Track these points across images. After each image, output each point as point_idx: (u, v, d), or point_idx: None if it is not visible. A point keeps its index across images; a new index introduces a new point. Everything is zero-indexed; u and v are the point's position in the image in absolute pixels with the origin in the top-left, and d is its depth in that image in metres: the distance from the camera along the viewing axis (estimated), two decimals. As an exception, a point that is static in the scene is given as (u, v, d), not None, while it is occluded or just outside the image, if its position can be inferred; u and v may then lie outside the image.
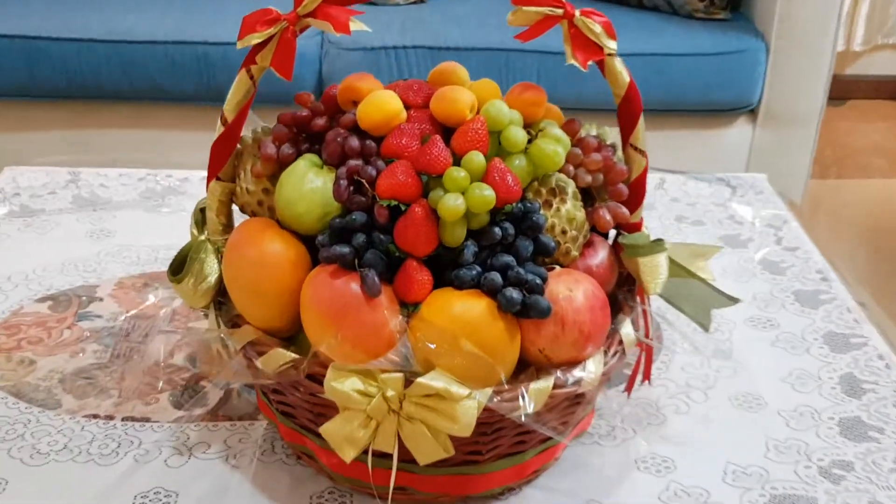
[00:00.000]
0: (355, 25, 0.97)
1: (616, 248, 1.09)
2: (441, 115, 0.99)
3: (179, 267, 1.05)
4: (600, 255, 1.07)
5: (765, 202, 1.71)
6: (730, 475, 1.11)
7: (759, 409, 1.22)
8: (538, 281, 0.95)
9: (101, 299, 1.41)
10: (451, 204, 0.92)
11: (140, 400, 1.21)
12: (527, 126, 1.03)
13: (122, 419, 1.18)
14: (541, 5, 0.99)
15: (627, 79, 1.03)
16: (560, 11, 0.99)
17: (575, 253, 1.02)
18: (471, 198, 0.93)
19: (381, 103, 0.98)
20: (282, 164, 1.02)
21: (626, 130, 1.06)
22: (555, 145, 0.99)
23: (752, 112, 2.53)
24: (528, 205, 0.98)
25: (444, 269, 0.97)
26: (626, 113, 1.05)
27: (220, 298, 1.05)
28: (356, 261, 0.95)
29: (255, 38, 0.97)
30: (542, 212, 1.00)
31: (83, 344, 1.31)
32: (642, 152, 1.07)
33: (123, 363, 1.28)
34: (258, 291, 0.98)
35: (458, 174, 0.93)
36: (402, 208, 0.94)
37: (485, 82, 1.04)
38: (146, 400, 1.21)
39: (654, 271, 1.06)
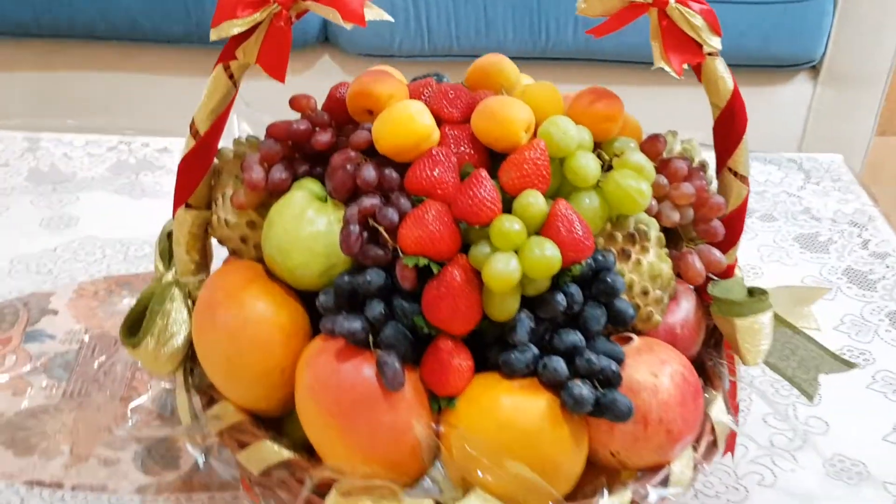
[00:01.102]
0: (372, 13, 0.70)
1: (701, 294, 0.84)
2: (487, 137, 0.74)
3: (138, 321, 0.80)
4: (684, 310, 0.83)
5: (844, 191, 1.46)
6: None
7: (859, 482, 0.99)
8: (613, 368, 0.70)
9: (55, 312, 1.17)
10: (502, 270, 0.67)
11: (96, 459, 0.97)
12: (597, 145, 0.77)
13: (73, 488, 0.94)
14: (626, -12, 0.72)
15: (731, 86, 0.77)
16: (650, -2, 0.72)
17: (658, 318, 0.77)
18: (528, 260, 0.68)
19: (405, 121, 0.72)
20: (272, 192, 0.77)
21: (725, 150, 0.80)
22: (637, 180, 0.73)
23: (814, 68, 2.26)
24: (601, 259, 0.73)
25: (489, 347, 0.72)
26: (727, 129, 0.79)
27: (191, 364, 0.80)
28: (371, 337, 0.70)
29: (236, 27, 0.71)
30: (617, 266, 0.75)
31: (30, 377, 1.07)
32: (743, 178, 0.81)
33: (77, 406, 1.04)
34: (237, 369, 0.74)
35: (510, 227, 0.68)
36: (434, 269, 0.69)
37: (541, 88, 0.78)
38: (104, 458, 0.97)
39: (754, 336, 0.82)
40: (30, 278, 1.22)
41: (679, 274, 0.80)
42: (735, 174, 0.81)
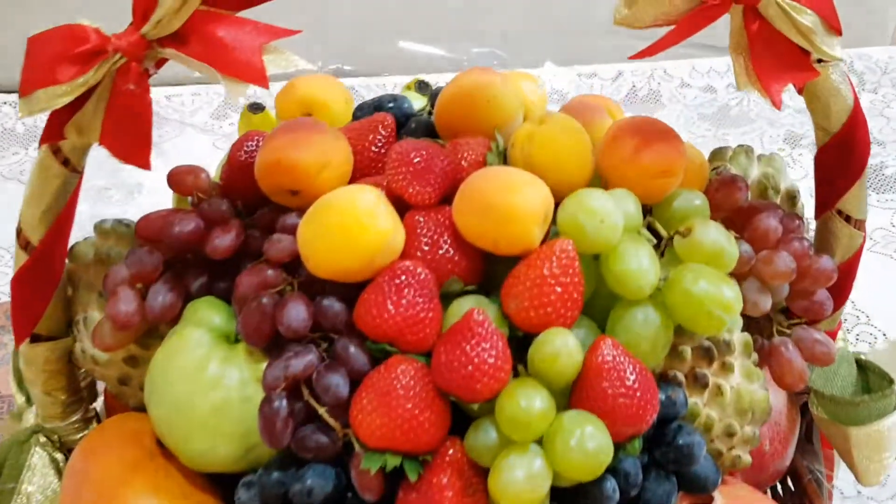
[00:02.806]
0: (278, 61, 0.42)
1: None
2: (482, 239, 0.46)
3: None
4: (773, 413, 0.57)
5: (910, 100, 1.18)
6: None
7: None
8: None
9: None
10: (520, 484, 0.41)
11: None
12: (647, 210, 0.50)
13: None
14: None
15: (850, 103, 0.49)
16: (735, -11, 0.44)
17: (748, 460, 0.52)
18: (559, 456, 0.42)
19: (349, 229, 0.44)
20: (151, 324, 0.50)
21: (834, 188, 0.54)
22: (716, 282, 0.46)
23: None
24: (665, 401, 0.47)
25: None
26: (838, 160, 0.52)
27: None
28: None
29: (59, 99, 0.43)
30: (689, 401, 0.49)
31: None
32: (858, 223, 0.54)
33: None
34: None
35: (528, 408, 0.42)
36: (410, 474, 0.43)
37: (559, 137, 0.50)
38: None
39: (877, 448, 0.57)
40: None
41: (771, 375, 0.55)
42: (847, 218, 0.54)
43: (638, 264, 0.46)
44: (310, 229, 0.45)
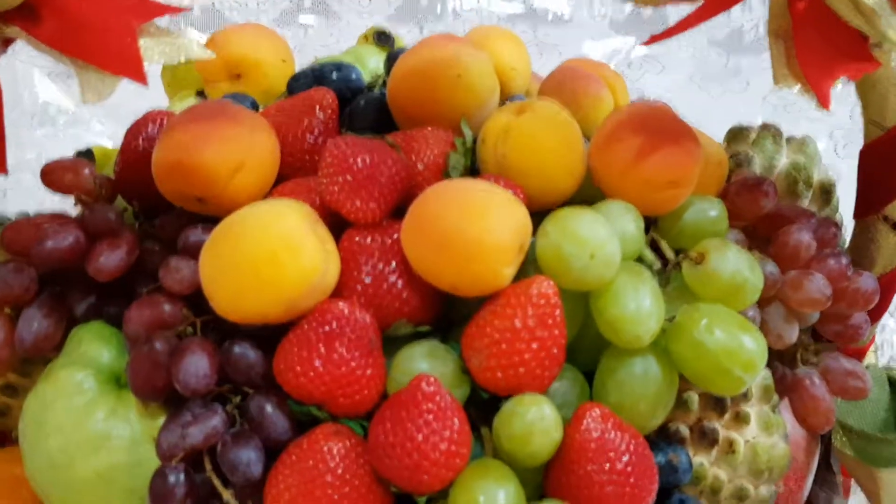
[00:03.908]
0: (157, 47, 0.30)
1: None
2: (439, 280, 0.36)
3: None
4: (793, 440, 0.48)
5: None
6: None
7: None
8: None
9: None
10: None
11: None
12: (650, 223, 0.40)
13: None
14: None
15: (915, 92, 0.38)
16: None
17: (758, 521, 0.43)
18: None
19: (263, 258, 0.34)
20: (26, 355, 0.40)
21: (881, 191, 0.43)
22: (733, 331, 0.36)
23: None
24: (663, 464, 0.38)
25: None
26: (891, 162, 0.41)
27: None
28: None
29: None
30: (695, 460, 0.40)
31: None
32: (908, 232, 0.44)
33: None
34: None
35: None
36: (342, 577, 0.34)
37: (544, 120, 0.39)
38: None
39: (909, 492, 0.48)
40: None
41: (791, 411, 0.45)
42: (894, 226, 0.44)
43: (636, 308, 0.36)
44: (214, 263, 0.35)
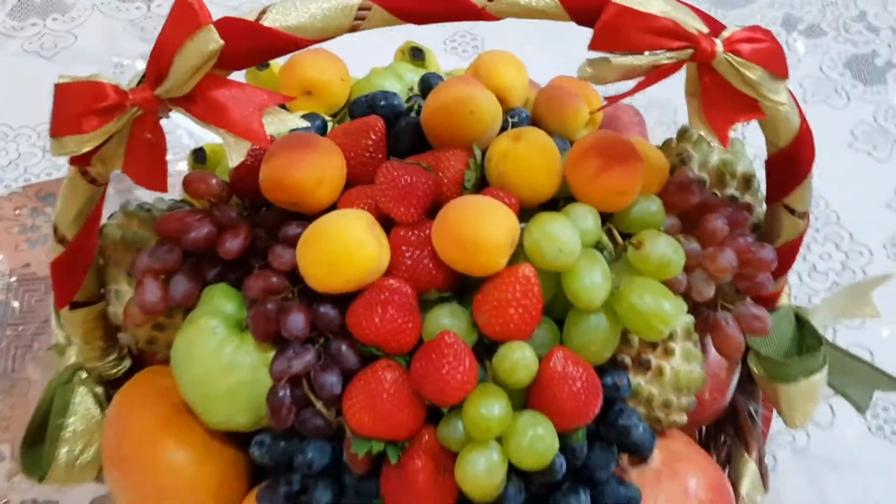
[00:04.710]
0: (276, 123, 0.48)
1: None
2: (455, 264, 0.53)
3: (41, 428, 0.65)
4: (712, 367, 0.66)
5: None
6: None
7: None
8: (627, 531, 0.56)
9: (-29, 247, 0.99)
10: (480, 475, 0.51)
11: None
12: (606, 217, 0.57)
13: (21, 507, 0.83)
14: (651, 43, 0.48)
15: (797, 126, 0.55)
16: (688, 53, 0.49)
17: (683, 420, 0.61)
18: (514, 450, 0.51)
19: (341, 256, 0.52)
20: (173, 307, 0.58)
21: (781, 189, 0.60)
22: (657, 296, 0.54)
23: None
24: (610, 385, 0.56)
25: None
26: (785, 168, 0.58)
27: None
28: (320, 522, 0.56)
29: (85, 145, 0.49)
30: (633, 380, 0.58)
31: (-44, 347, 0.92)
32: (802, 214, 0.61)
33: (11, 387, 0.90)
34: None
35: (488, 414, 0.50)
36: (392, 457, 0.52)
37: (529, 158, 0.56)
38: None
39: (804, 400, 0.66)
40: (-64, 193, 1.03)
41: (712, 343, 0.63)
42: (792, 211, 0.61)
43: (591, 282, 0.53)
44: (307, 254, 0.52)
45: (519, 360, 0.52)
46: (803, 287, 0.95)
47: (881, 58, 1.13)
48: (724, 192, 0.64)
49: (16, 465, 0.86)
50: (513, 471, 0.54)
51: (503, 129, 0.61)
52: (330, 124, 0.63)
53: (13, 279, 0.97)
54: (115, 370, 0.66)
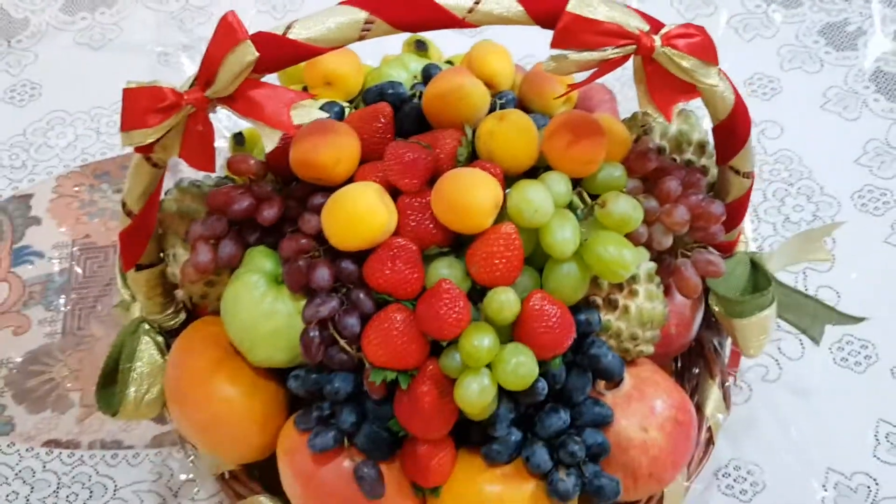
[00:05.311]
0: (302, 115, 0.60)
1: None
2: (450, 224, 0.65)
3: (112, 373, 0.78)
4: (678, 306, 0.78)
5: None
6: None
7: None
8: (599, 442, 0.69)
9: (38, 221, 1.12)
10: (474, 395, 0.63)
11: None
12: (577, 181, 0.69)
13: (89, 446, 0.96)
14: (601, 42, 0.59)
15: (731, 100, 0.66)
16: (632, 48, 0.60)
17: (651, 350, 0.73)
18: (502, 375, 0.63)
19: (358, 219, 0.64)
20: (222, 267, 0.71)
21: (726, 153, 0.71)
22: (619, 246, 0.66)
23: None
24: (583, 321, 0.68)
25: (469, 428, 0.70)
26: (727, 136, 0.69)
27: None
28: (347, 440, 0.68)
29: (149, 137, 0.61)
30: (603, 320, 0.70)
31: (27, 310, 1.06)
32: (747, 174, 0.72)
33: (78, 343, 1.03)
34: (215, 452, 0.74)
35: (479, 345, 0.62)
36: (402, 384, 0.65)
37: (511, 133, 0.67)
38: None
39: (757, 332, 0.78)
40: (3, 174, 1.16)
41: (674, 285, 0.74)
42: (737, 172, 0.72)
43: (562, 236, 0.65)
44: (330, 217, 0.65)
45: (504, 301, 0.63)
46: (777, 237, 1.06)
47: (853, 25, 1.22)
48: (682, 157, 0.76)
49: (85, 410, 0.99)
50: (503, 394, 0.66)
51: (491, 109, 0.73)
52: (347, 109, 0.75)
53: (76, 248, 1.10)
54: (173, 321, 0.79)
